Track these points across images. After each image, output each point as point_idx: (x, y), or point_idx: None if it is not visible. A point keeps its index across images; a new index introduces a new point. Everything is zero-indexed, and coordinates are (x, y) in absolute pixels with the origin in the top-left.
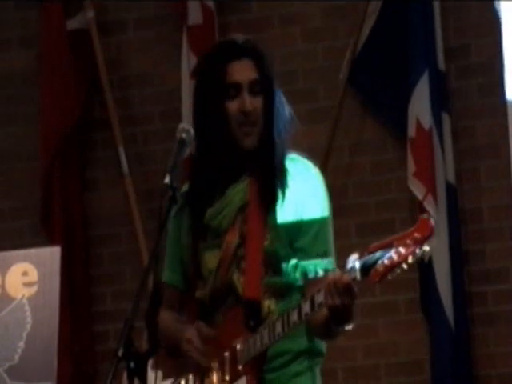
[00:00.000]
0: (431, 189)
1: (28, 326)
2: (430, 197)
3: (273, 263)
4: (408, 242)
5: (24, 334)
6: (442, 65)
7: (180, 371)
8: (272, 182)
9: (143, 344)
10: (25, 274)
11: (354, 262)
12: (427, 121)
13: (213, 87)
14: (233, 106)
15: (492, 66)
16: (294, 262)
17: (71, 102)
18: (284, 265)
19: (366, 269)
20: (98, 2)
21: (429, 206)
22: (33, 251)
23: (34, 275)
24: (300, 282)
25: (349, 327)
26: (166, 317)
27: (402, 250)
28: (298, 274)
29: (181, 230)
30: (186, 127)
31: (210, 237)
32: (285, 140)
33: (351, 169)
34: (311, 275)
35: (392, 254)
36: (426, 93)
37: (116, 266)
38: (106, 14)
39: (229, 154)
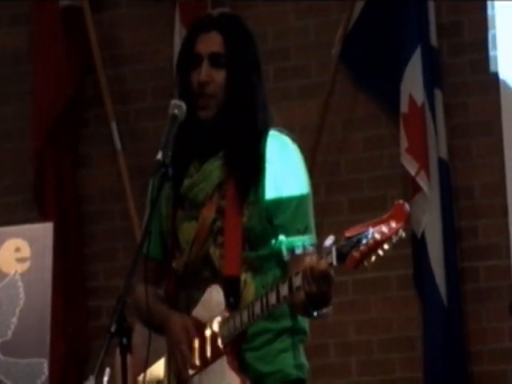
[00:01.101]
0: (424, 165)
1: (21, 302)
2: (422, 173)
3: (250, 240)
4: (383, 228)
5: (17, 310)
6: (434, 41)
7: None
8: (248, 163)
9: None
10: (17, 249)
11: (330, 246)
12: (420, 96)
13: (180, 58)
14: (193, 76)
15: (484, 42)
16: (281, 237)
17: (64, 80)
18: (272, 241)
19: (342, 254)
20: None
21: (421, 181)
22: (25, 227)
23: (26, 251)
24: (286, 258)
25: (327, 311)
26: (142, 290)
27: (377, 236)
28: (284, 250)
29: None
30: (178, 103)
31: (188, 207)
32: (261, 116)
33: (344, 145)
34: (299, 251)
35: (368, 239)
36: (418, 69)
37: (109, 243)
38: None
39: (189, 124)
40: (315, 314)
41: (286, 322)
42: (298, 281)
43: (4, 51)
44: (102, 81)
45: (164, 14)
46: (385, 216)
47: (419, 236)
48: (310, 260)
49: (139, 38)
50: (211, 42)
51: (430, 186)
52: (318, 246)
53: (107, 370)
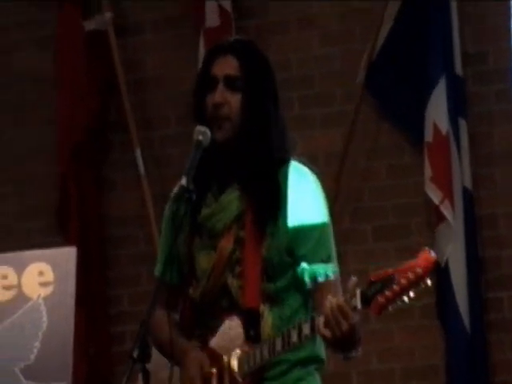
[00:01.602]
0: (448, 194)
1: (44, 326)
2: (446, 202)
3: (268, 271)
4: (409, 275)
5: (40, 334)
6: (459, 70)
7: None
8: (266, 195)
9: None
10: (41, 273)
11: (354, 289)
12: (444, 125)
13: (197, 81)
14: (209, 98)
15: (509, 71)
16: (303, 265)
17: (87, 104)
18: (289, 272)
19: (367, 298)
20: (116, 3)
21: (445, 210)
22: (49, 251)
23: (49, 275)
24: (309, 286)
25: (356, 354)
26: (162, 318)
27: (403, 282)
28: (306, 278)
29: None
30: (202, 129)
31: (205, 236)
32: (279, 144)
33: (367, 173)
34: (321, 279)
35: (393, 285)
36: (443, 97)
37: (132, 268)
38: (123, 15)
39: (206, 149)
40: (343, 356)
41: (303, 353)
42: (320, 321)
43: (29, 74)
44: (126, 105)
45: (188, 40)
46: (411, 262)
47: (443, 265)
48: (335, 300)
49: (163, 63)
50: (227, 65)
51: (454, 216)
52: (342, 285)
53: None
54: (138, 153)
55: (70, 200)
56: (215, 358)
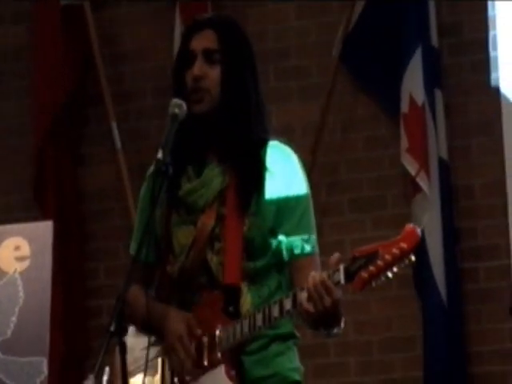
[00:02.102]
0: (424, 165)
1: (20, 301)
2: (422, 173)
3: (248, 250)
4: (394, 250)
5: (16, 309)
6: (434, 41)
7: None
8: (249, 173)
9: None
10: (17, 248)
11: (337, 264)
12: (420, 97)
13: (176, 57)
14: (188, 73)
15: (484, 42)
16: (281, 238)
17: (63, 78)
18: (270, 252)
19: (350, 273)
20: None
21: (421, 181)
22: (25, 226)
23: (26, 250)
24: (286, 258)
25: (338, 331)
26: (137, 292)
27: (387, 257)
28: (284, 250)
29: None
30: (178, 102)
31: (184, 211)
32: (258, 121)
33: (344, 145)
34: (297, 251)
35: (377, 261)
36: (419, 69)
37: (109, 242)
38: None
39: (186, 123)
40: (325, 332)
41: (282, 329)
42: (302, 296)
43: (5, 48)
44: (102, 80)
45: (164, 13)
46: (395, 238)
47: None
48: (319, 275)
49: (139, 36)
50: (205, 39)
51: (430, 186)
52: (322, 260)
53: (107, 369)
54: (114, 126)
55: (47, 174)
56: (197, 325)
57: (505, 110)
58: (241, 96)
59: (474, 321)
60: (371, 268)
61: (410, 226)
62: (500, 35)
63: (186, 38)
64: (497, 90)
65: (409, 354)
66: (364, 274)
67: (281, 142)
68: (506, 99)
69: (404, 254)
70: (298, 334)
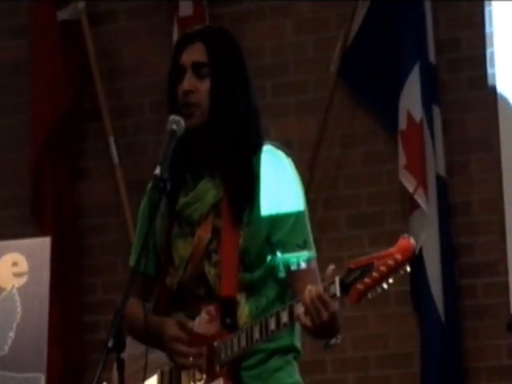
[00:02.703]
0: (422, 181)
1: (18, 317)
2: (420, 189)
3: (245, 260)
4: (389, 261)
5: (14, 325)
6: (432, 57)
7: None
8: (241, 183)
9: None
10: (15, 264)
11: (333, 277)
12: (418, 113)
13: (168, 72)
14: (179, 88)
15: (482, 58)
16: (278, 254)
17: (61, 93)
18: (267, 261)
19: (345, 286)
20: None
21: (419, 198)
22: (23, 242)
23: (24, 265)
24: (282, 274)
25: (335, 341)
26: (135, 304)
27: (382, 269)
28: (280, 267)
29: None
30: (176, 118)
31: (183, 224)
32: (252, 129)
33: (342, 161)
34: (294, 267)
35: (373, 272)
36: (416, 85)
37: (106, 257)
38: (96, 4)
39: (181, 138)
40: (324, 343)
41: (280, 342)
42: (299, 309)
43: (3, 63)
44: (100, 94)
45: (162, 28)
46: (390, 249)
47: (417, 253)
48: (315, 289)
49: (137, 51)
50: (194, 52)
51: (427, 203)
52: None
53: None
54: (112, 141)
55: (44, 189)
56: (192, 343)
57: (502, 126)
58: (229, 109)
59: (472, 337)
60: (366, 280)
61: (404, 237)
62: (497, 52)
63: (177, 51)
64: (494, 106)
65: (406, 370)
66: (360, 286)
67: (275, 146)
68: (504, 115)
69: (399, 265)
70: (299, 347)
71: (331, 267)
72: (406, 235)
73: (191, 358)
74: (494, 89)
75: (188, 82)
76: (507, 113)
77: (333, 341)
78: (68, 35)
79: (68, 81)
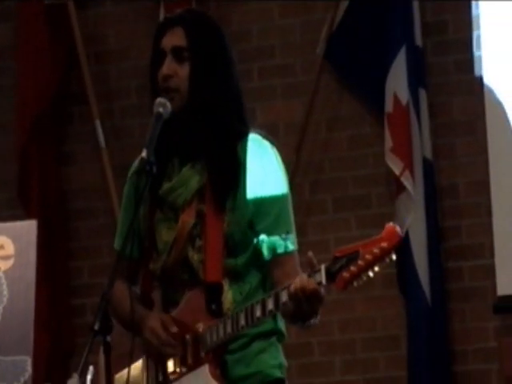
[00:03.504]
0: (408, 164)
1: (5, 300)
2: (407, 172)
3: (229, 246)
4: (375, 250)
5: (0, 308)
6: (419, 40)
7: (138, 351)
8: (224, 169)
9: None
10: (1, 247)
11: (318, 264)
12: (404, 96)
13: (151, 56)
14: (159, 72)
15: (468, 42)
16: (262, 237)
17: (48, 76)
18: (251, 247)
19: (331, 274)
20: None
21: (406, 181)
22: (9, 225)
23: (10, 248)
24: (267, 258)
25: (315, 321)
26: (121, 290)
27: (368, 257)
28: (265, 250)
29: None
30: (162, 101)
31: (166, 209)
32: (237, 117)
33: (328, 144)
34: (280, 250)
35: (358, 261)
36: (403, 68)
37: (93, 240)
38: None
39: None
40: (303, 324)
41: (263, 327)
42: (284, 296)
43: None
44: (87, 78)
45: (148, 12)
46: (376, 237)
47: (403, 235)
48: (299, 278)
49: (124, 35)
50: (174, 37)
51: (414, 186)
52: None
53: (91, 368)
54: (98, 125)
55: (31, 173)
56: (177, 325)
57: (488, 109)
58: (210, 92)
59: (458, 320)
60: (352, 268)
61: (390, 225)
62: (484, 35)
63: (158, 36)
64: (481, 90)
65: (393, 352)
66: (345, 274)
67: (261, 135)
68: (490, 98)
69: (385, 253)
70: (283, 330)
71: (310, 253)
72: (391, 223)
73: (165, 357)
74: (480, 72)
75: (167, 66)
76: (493, 96)
77: (311, 321)
78: (54, 19)
79: (54, 64)
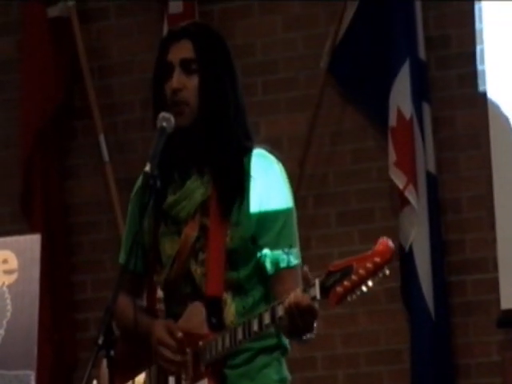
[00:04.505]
0: (412, 178)
1: (8, 314)
2: (410, 186)
3: (231, 260)
4: (368, 265)
5: (4, 322)
6: (422, 54)
7: (140, 362)
8: (230, 182)
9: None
10: (5, 261)
11: (313, 279)
12: (408, 110)
13: (155, 69)
14: (167, 85)
15: (472, 55)
16: (265, 251)
17: (51, 90)
18: (253, 261)
19: (325, 288)
20: None
21: (409, 195)
22: (13, 239)
23: (14, 263)
24: (270, 272)
25: (311, 336)
26: (125, 303)
27: (362, 272)
28: (268, 264)
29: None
30: (166, 116)
31: (170, 223)
32: (242, 131)
33: (332, 157)
34: (283, 264)
35: (352, 275)
36: (406, 82)
37: (96, 254)
38: (86, 1)
39: (169, 136)
40: (300, 339)
41: (266, 342)
42: (280, 311)
43: None
44: (90, 92)
45: (152, 25)
46: (369, 252)
47: (407, 249)
48: (293, 294)
49: (127, 48)
50: (181, 49)
51: (417, 200)
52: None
53: (94, 383)
54: (102, 139)
55: (34, 187)
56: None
57: (492, 123)
58: (219, 105)
59: (462, 334)
60: (346, 283)
61: (383, 240)
62: (487, 49)
63: (163, 49)
64: (484, 103)
65: (396, 366)
66: (339, 289)
67: (266, 150)
68: (494, 112)
69: (378, 269)
70: (286, 344)
71: (305, 268)
72: (384, 238)
73: (173, 367)
74: (483, 86)
75: (177, 79)
76: (497, 110)
77: (308, 335)
78: (58, 32)
79: (58, 78)
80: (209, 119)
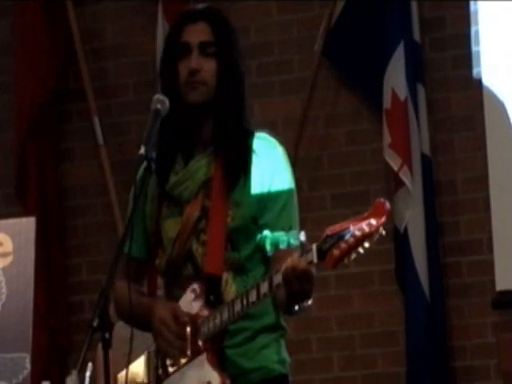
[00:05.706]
0: (407, 160)
1: (3, 297)
2: (405, 168)
3: (232, 240)
4: (364, 226)
5: None
6: (417, 36)
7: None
8: (236, 159)
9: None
10: (0, 244)
11: (310, 244)
12: (403, 92)
13: (167, 48)
14: (182, 65)
15: (467, 37)
16: (265, 232)
17: (46, 73)
18: (255, 240)
19: (322, 252)
20: None
21: (404, 177)
22: (8, 222)
23: (8, 245)
24: (270, 253)
25: (308, 304)
26: (125, 287)
27: (358, 233)
28: (268, 245)
29: (146, 196)
30: (160, 98)
31: (172, 204)
32: (247, 115)
33: (326, 140)
34: (283, 246)
35: (348, 237)
36: (401, 64)
37: (91, 237)
38: None
39: (176, 116)
40: (296, 308)
41: (267, 320)
42: (277, 279)
43: None
44: (85, 75)
45: (147, 8)
46: (365, 214)
47: (402, 231)
48: (290, 259)
49: (122, 31)
50: (200, 32)
51: (412, 182)
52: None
53: (89, 365)
54: (96, 121)
55: (29, 170)
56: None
57: (487, 105)
58: (235, 87)
59: (457, 315)
60: (342, 245)
61: (379, 201)
62: (482, 31)
63: (178, 29)
64: (479, 85)
65: (391, 348)
66: (336, 252)
67: (267, 133)
68: (488, 94)
69: (373, 230)
70: (285, 325)
71: (302, 233)
72: (381, 199)
73: (172, 349)
74: (478, 67)
75: (196, 61)
76: (491, 91)
77: (305, 304)
78: (52, 15)
79: (52, 61)
80: (224, 100)
